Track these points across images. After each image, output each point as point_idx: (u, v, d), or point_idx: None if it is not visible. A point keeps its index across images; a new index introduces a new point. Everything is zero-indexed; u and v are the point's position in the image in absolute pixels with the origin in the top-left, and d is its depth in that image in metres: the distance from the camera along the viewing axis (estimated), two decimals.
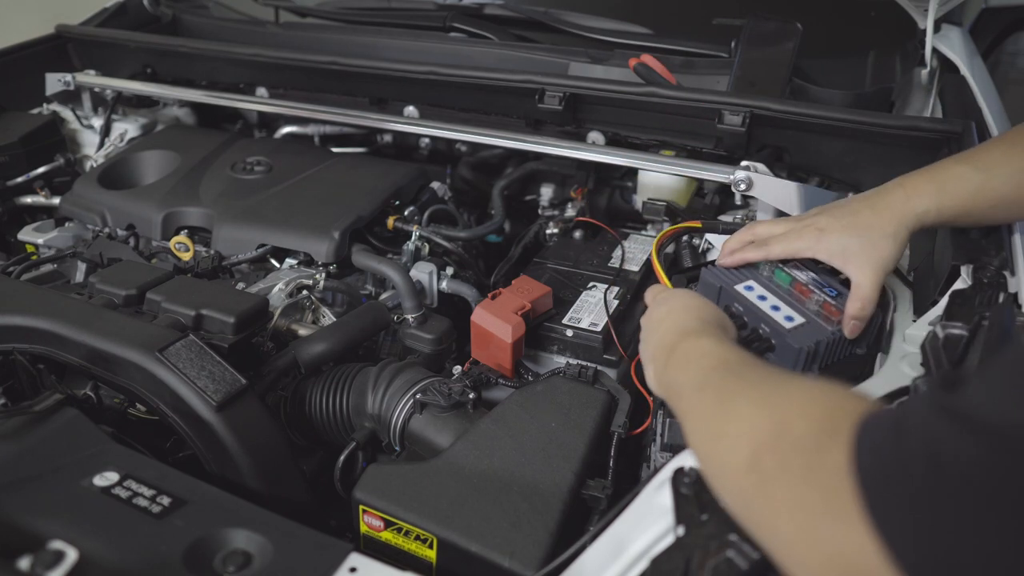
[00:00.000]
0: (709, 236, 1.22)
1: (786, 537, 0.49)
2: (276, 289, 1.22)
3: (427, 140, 1.79)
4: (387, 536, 0.82)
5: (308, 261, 1.32)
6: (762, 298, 0.88)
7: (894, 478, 0.42)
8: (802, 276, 0.91)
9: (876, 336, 0.90)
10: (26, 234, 1.46)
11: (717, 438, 0.58)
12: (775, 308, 0.87)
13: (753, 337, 0.85)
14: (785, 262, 0.93)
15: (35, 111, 1.76)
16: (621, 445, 0.92)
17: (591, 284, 1.21)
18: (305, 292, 1.23)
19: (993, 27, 1.95)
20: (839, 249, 0.87)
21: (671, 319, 0.79)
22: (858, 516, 0.42)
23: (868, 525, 0.42)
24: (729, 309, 0.89)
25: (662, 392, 0.75)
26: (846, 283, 0.90)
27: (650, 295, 0.90)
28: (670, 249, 1.27)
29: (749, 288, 0.90)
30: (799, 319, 0.85)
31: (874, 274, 0.85)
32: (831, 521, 0.44)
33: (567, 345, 1.10)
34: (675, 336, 0.74)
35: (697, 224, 1.16)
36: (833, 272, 0.98)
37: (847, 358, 0.87)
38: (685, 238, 1.27)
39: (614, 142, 1.45)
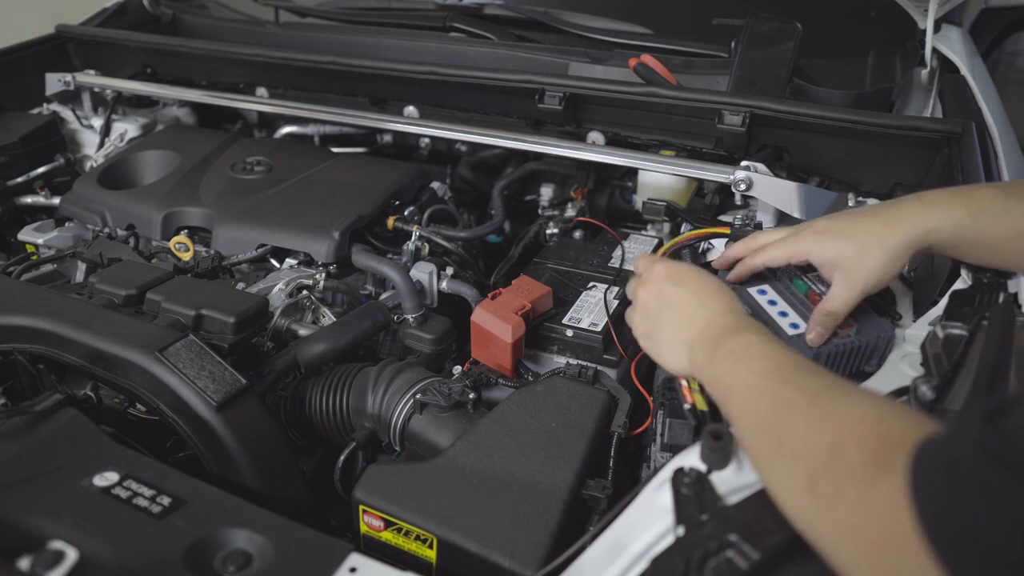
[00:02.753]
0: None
1: (849, 560, 0.51)
2: (276, 289, 1.22)
3: (427, 140, 1.79)
4: (387, 536, 0.82)
5: (308, 261, 1.32)
6: (772, 303, 0.88)
7: (955, 523, 0.44)
8: (821, 286, 0.88)
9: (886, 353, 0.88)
10: (26, 234, 1.46)
11: (774, 452, 0.60)
12: (783, 314, 0.86)
13: None
14: (806, 272, 0.92)
15: (35, 111, 1.76)
16: (621, 445, 0.92)
17: (591, 284, 1.21)
18: (305, 292, 1.23)
19: (993, 27, 1.95)
20: (832, 254, 0.82)
21: (703, 307, 0.77)
22: (924, 555, 0.45)
23: (936, 567, 0.44)
24: None
25: (704, 383, 0.75)
26: (867, 301, 0.88)
27: (651, 267, 0.85)
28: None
29: (762, 292, 0.90)
30: (804, 327, 0.83)
31: (852, 289, 0.81)
32: (894, 555, 0.47)
33: (567, 345, 1.10)
34: (718, 330, 0.74)
35: (725, 231, 1.12)
36: None
37: (855, 374, 0.85)
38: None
39: (614, 142, 1.45)
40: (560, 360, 1.11)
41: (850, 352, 0.82)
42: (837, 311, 0.81)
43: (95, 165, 1.65)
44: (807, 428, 0.57)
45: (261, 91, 1.74)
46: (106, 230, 1.43)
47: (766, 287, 0.90)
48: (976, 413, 0.46)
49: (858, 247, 0.81)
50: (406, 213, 1.44)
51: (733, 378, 0.68)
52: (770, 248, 0.88)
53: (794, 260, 0.87)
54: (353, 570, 0.69)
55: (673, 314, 0.79)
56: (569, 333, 1.09)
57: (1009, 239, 0.79)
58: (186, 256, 1.33)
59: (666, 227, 1.45)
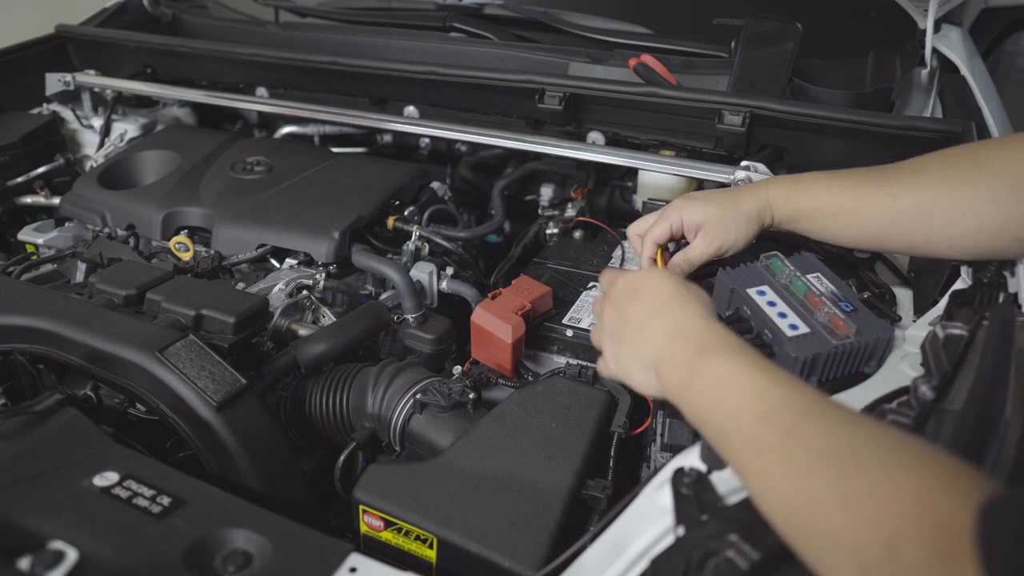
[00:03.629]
0: None
1: None
2: (276, 289, 1.22)
3: (427, 140, 1.79)
4: (387, 536, 0.82)
5: (308, 261, 1.32)
6: (771, 304, 0.87)
7: None
8: (819, 287, 0.89)
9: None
10: (26, 234, 1.46)
11: (805, 533, 0.53)
12: (782, 315, 0.85)
13: (756, 342, 0.84)
14: (805, 273, 0.92)
15: (35, 111, 1.76)
16: (621, 445, 0.92)
17: (591, 284, 1.21)
18: (305, 292, 1.23)
19: (993, 27, 1.95)
20: (701, 217, 0.95)
21: (663, 319, 0.72)
22: None
23: None
24: (739, 311, 0.89)
25: (685, 414, 0.68)
26: (867, 303, 0.89)
27: (613, 283, 0.80)
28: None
29: (761, 293, 0.89)
30: (803, 328, 0.83)
31: (712, 244, 0.95)
32: None
33: (567, 345, 1.10)
34: (685, 349, 0.68)
35: None
36: (861, 286, 0.97)
37: (852, 375, 0.84)
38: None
39: (614, 142, 1.45)
40: (560, 360, 1.11)
41: (849, 353, 0.82)
42: (695, 259, 0.97)
43: (95, 165, 1.65)
44: (844, 515, 0.50)
45: (261, 91, 1.74)
46: (106, 230, 1.43)
47: (765, 288, 0.90)
48: None
49: (720, 210, 0.95)
50: (406, 213, 1.44)
51: (722, 420, 0.61)
52: (653, 228, 1.00)
53: (674, 227, 0.98)
54: (353, 570, 0.69)
55: (633, 332, 0.74)
56: (569, 333, 1.09)
57: (830, 215, 0.91)
58: (186, 256, 1.33)
59: None
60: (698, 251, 0.96)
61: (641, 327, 0.73)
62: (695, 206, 0.96)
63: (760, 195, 0.95)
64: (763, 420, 0.58)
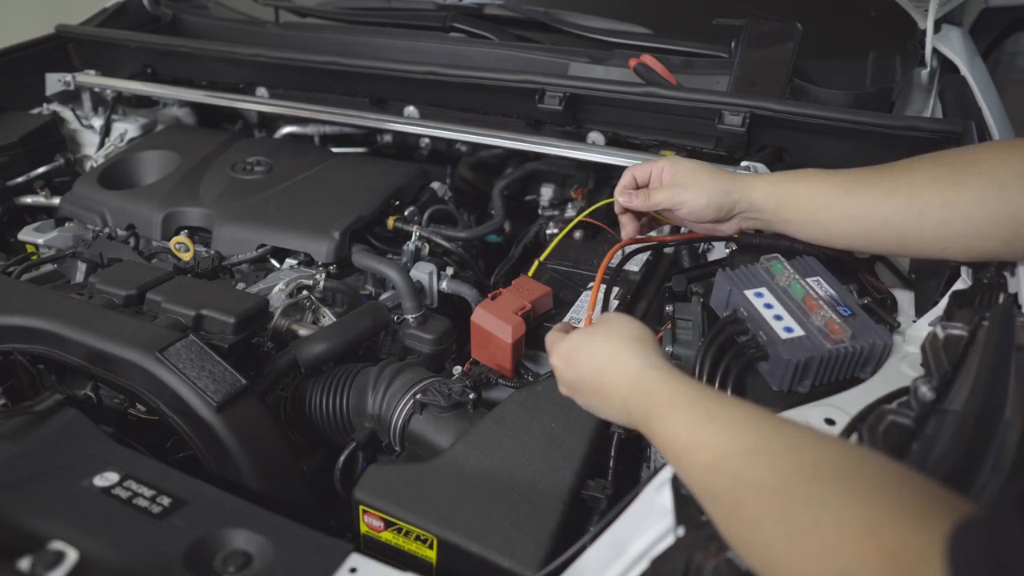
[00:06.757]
0: None
1: None
2: (276, 289, 1.22)
3: (427, 140, 1.79)
4: (387, 536, 0.82)
5: (308, 261, 1.32)
6: (768, 306, 0.87)
7: None
8: (818, 291, 0.89)
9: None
10: (26, 234, 1.46)
11: (765, 569, 0.53)
12: (778, 317, 0.85)
13: (751, 344, 0.84)
14: (808, 276, 0.92)
15: (35, 111, 1.76)
16: (621, 445, 0.92)
17: (591, 284, 1.21)
18: (305, 292, 1.23)
19: (993, 27, 1.95)
20: (678, 168, 0.99)
21: (611, 385, 0.75)
22: None
23: None
24: (735, 313, 0.89)
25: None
26: (867, 308, 0.89)
27: (553, 355, 0.84)
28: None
29: (759, 295, 0.89)
30: (798, 331, 0.83)
31: (670, 194, 0.98)
32: None
33: None
34: (640, 411, 0.70)
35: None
36: (863, 291, 0.97)
37: (847, 380, 0.83)
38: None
39: (614, 142, 1.45)
40: None
41: (843, 358, 0.81)
42: (652, 200, 1.01)
43: (95, 165, 1.65)
44: (792, 552, 0.51)
45: (261, 91, 1.74)
46: (106, 230, 1.43)
47: (763, 290, 0.90)
48: (1010, 502, 0.41)
49: (696, 169, 0.99)
50: (406, 213, 1.44)
51: (680, 469, 0.64)
52: (639, 165, 1.05)
53: (655, 171, 1.02)
54: (353, 570, 0.69)
55: (596, 401, 0.78)
56: None
57: (821, 207, 0.90)
58: (186, 256, 1.33)
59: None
60: (658, 194, 1.01)
61: (600, 401, 0.77)
62: (682, 161, 1.01)
63: (740, 181, 0.96)
64: (712, 470, 0.59)
